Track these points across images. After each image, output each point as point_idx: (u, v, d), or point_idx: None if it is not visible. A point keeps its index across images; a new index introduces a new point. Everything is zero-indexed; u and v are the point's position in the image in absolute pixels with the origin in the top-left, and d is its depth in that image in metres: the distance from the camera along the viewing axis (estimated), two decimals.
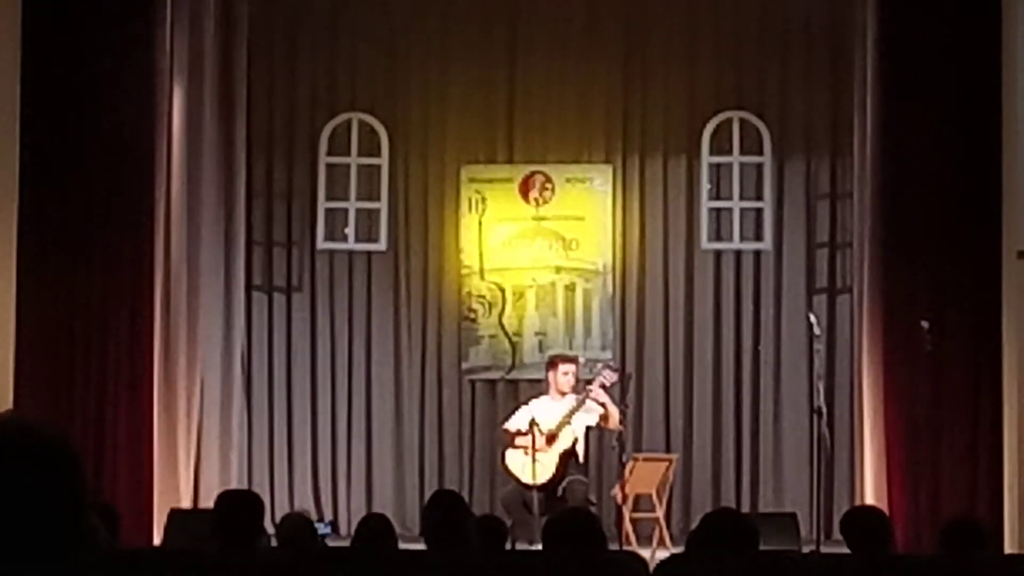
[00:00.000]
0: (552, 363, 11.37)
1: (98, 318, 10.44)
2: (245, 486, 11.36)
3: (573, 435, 10.96)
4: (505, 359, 12.53)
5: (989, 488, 9.98)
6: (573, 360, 11.38)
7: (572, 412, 10.96)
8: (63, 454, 2.20)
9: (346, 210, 12.61)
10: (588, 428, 11.11)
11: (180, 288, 10.82)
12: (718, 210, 12.48)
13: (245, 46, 11.87)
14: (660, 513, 10.96)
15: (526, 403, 11.40)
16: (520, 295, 12.57)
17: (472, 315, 12.56)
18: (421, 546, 6.28)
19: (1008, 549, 9.50)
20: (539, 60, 12.51)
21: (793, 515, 10.30)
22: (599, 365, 11.61)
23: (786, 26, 12.46)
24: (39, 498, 2.15)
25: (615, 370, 11.24)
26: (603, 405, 10.94)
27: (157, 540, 9.75)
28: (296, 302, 12.60)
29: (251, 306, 12.40)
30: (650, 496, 11.00)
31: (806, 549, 9.62)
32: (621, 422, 10.83)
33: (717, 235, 12.47)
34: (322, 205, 12.59)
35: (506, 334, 12.55)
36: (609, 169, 12.57)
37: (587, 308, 12.52)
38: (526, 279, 12.59)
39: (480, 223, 12.59)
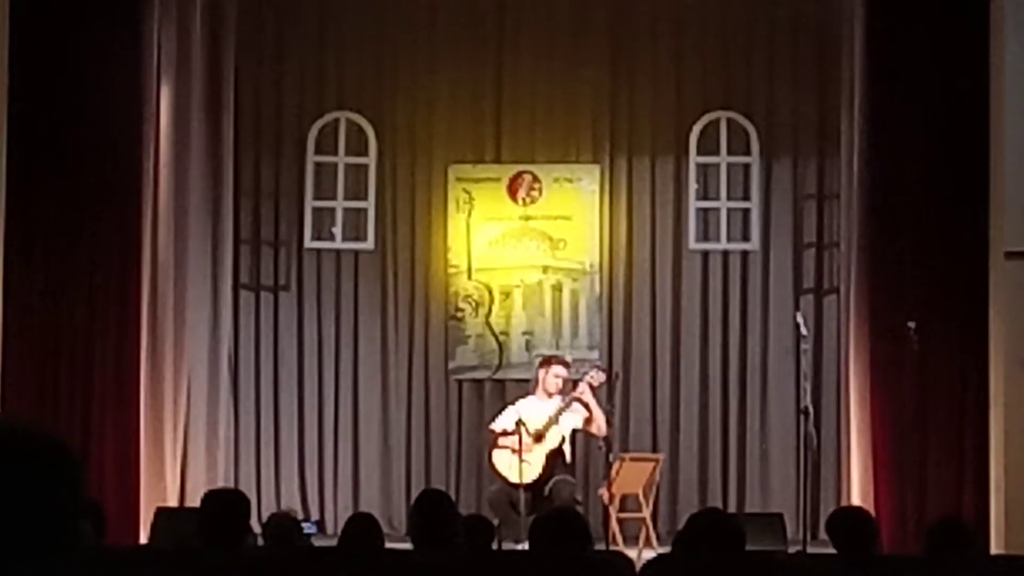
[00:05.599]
0: (546, 362, 11.36)
1: (85, 317, 10.43)
2: (231, 485, 11.34)
3: (560, 435, 10.97)
4: (492, 359, 12.52)
5: (975, 488, 9.99)
6: (566, 364, 11.38)
7: (560, 412, 10.97)
8: (63, 459, 2.19)
9: (333, 209, 12.59)
10: (575, 430, 11.12)
11: (167, 287, 10.81)
12: (705, 210, 12.48)
13: (233, 45, 11.85)
14: (647, 513, 10.95)
15: (513, 403, 11.41)
16: (507, 295, 12.56)
17: (459, 314, 12.55)
18: (408, 545, 6.27)
19: (994, 549, 9.51)
20: (527, 60, 12.50)
21: (779, 515, 10.30)
22: (587, 365, 11.61)
23: (773, 26, 12.46)
24: (37, 502, 2.15)
25: (603, 370, 11.26)
26: (588, 407, 10.95)
27: (143, 539, 9.75)
28: (283, 301, 12.58)
29: (238, 305, 12.38)
30: (637, 496, 11.00)
31: (792, 549, 9.62)
32: (609, 426, 10.84)
33: (704, 235, 12.46)
34: (310, 204, 12.57)
35: (493, 334, 12.53)
36: (597, 169, 12.56)
37: (574, 308, 12.50)
38: (513, 279, 12.57)
39: (468, 223, 12.57)
